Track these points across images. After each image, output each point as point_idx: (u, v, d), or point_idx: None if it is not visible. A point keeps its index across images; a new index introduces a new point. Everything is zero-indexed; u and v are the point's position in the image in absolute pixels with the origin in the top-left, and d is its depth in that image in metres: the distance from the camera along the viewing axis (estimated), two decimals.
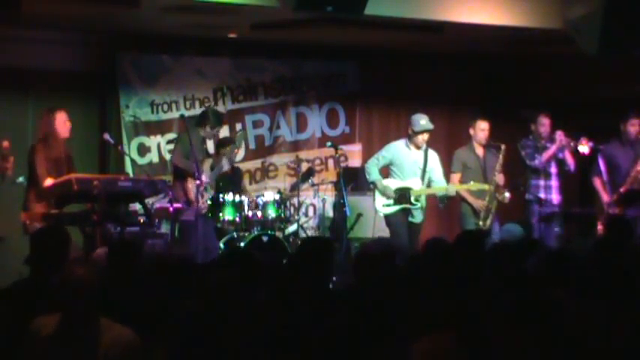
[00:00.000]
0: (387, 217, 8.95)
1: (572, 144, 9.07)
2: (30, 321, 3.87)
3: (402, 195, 8.86)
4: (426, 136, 8.90)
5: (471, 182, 8.96)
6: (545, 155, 9.12)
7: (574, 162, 9.19)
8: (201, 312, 3.80)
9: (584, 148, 8.99)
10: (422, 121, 8.87)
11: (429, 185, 9.02)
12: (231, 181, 9.67)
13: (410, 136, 8.96)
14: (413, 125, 8.89)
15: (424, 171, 8.95)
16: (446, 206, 9.43)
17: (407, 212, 8.91)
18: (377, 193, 8.97)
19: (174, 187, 8.47)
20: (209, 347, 3.62)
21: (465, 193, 9.06)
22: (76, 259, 4.51)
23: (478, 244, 5.44)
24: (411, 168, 8.94)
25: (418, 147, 8.94)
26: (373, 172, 9.00)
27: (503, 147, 9.07)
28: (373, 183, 9.00)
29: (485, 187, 8.94)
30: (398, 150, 9.00)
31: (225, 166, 8.96)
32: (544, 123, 9.24)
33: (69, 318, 3.75)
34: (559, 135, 9.08)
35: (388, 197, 8.88)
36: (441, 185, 9.01)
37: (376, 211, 9.02)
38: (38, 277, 4.61)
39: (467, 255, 5.05)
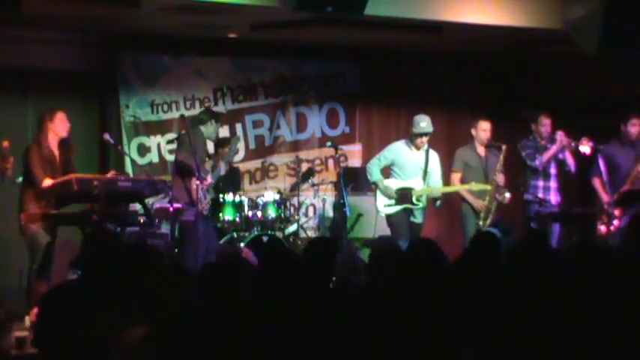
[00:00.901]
0: (388, 217, 8.95)
1: (572, 144, 9.07)
2: (79, 322, 3.88)
3: (404, 195, 8.86)
4: (425, 139, 8.90)
5: (473, 182, 8.96)
6: (546, 156, 9.11)
7: (574, 162, 9.19)
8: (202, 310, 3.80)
9: (585, 148, 8.98)
10: (422, 123, 8.85)
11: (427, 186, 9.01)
12: (230, 181, 9.67)
13: (410, 136, 8.96)
14: (413, 126, 8.89)
15: (425, 171, 8.94)
16: (442, 205, 9.39)
17: (408, 212, 8.90)
18: (378, 194, 8.96)
19: (176, 186, 8.45)
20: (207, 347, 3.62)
21: (465, 193, 9.07)
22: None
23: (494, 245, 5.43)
24: (413, 168, 8.94)
25: (419, 148, 8.95)
26: (375, 173, 8.99)
27: (504, 147, 9.07)
28: (375, 183, 9.00)
29: (487, 187, 8.93)
30: (399, 150, 9.00)
31: (222, 169, 8.95)
32: (545, 123, 9.23)
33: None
34: (560, 135, 9.07)
35: (390, 197, 8.88)
36: (437, 187, 8.99)
37: (378, 211, 9.02)
38: (87, 278, 4.63)
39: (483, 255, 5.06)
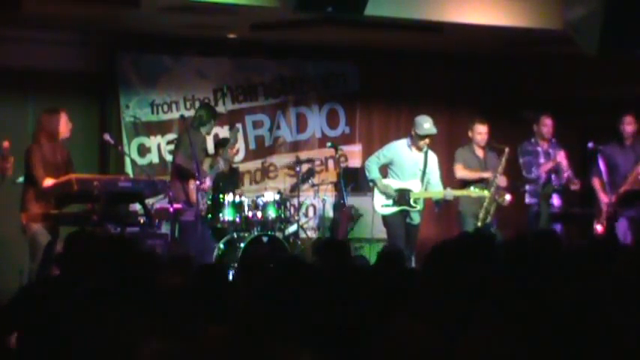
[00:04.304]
0: (385, 217, 8.94)
1: (566, 174, 9.09)
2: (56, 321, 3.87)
3: (402, 196, 8.85)
4: (428, 140, 8.89)
5: (472, 187, 8.96)
6: (542, 169, 9.17)
7: (570, 172, 9.19)
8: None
9: (575, 186, 9.09)
10: (426, 124, 8.83)
11: (426, 188, 9.00)
12: (230, 181, 9.68)
13: (412, 137, 8.94)
14: (416, 128, 8.86)
15: (424, 173, 8.93)
16: (441, 210, 9.40)
17: (405, 214, 8.89)
18: (376, 192, 8.95)
19: (174, 187, 8.46)
20: None
21: (469, 175, 9.09)
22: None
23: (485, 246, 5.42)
24: (412, 169, 8.93)
25: (420, 149, 8.94)
26: (373, 171, 8.98)
27: (507, 150, 9.05)
28: (373, 181, 8.99)
29: (485, 193, 8.92)
30: (399, 150, 8.98)
31: (222, 166, 8.96)
32: (547, 124, 9.24)
33: None
34: (560, 156, 9.08)
35: (388, 197, 8.87)
36: (438, 189, 8.99)
37: (375, 210, 9.01)
38: (67, 277, 4.63)
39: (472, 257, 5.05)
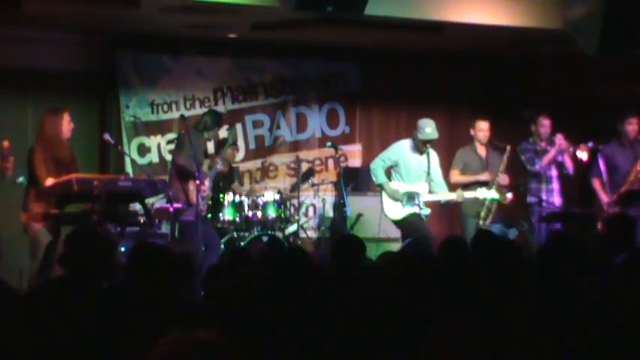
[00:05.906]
0: (397, 221, 8.92)
1: (571, 149, 9.08)
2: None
3: (411, 198, 8.83)
4: (429, 144, 8.90)
5: (477, 189, 8.95)
6: (545, 160, 9.14)
7: (572, 165, 9.20)
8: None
9: (582, 154, 9.00)
10: (427, 129, 8.81)
11: (430, 186, 8.99)
12: (229, 180, 9.67)
13: (414, 139, 8.94)
14: (418, 131, 8.85)
15: (429, 174, 8.94)
16: (449, 208, 9.44)
17: (416, 215, 8.89)
18: (385, 197, 8.92)
19: (174, 187, 8.45)
20: None
21: (463, 179, 9.09)
22: None
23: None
24: (417, 171, 8.91)
25: (421, 153, 8.94)
26: (380, 175, 8.96)
27: (508, 148, 9.07)
28: (380, 186, 8.97)
29: (495, 197, 8.90)
30: (403, 152, 8.96)
31: (220, 166, 8.95)
32: (544, 124, 9.24)
33: None
34: (559, 139, 9.08)
35: (396, 200, 8.85)
36: (442, 187, 8.99)
37: (385, 215, 8.98)
38: (72, 276, 4.62)
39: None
